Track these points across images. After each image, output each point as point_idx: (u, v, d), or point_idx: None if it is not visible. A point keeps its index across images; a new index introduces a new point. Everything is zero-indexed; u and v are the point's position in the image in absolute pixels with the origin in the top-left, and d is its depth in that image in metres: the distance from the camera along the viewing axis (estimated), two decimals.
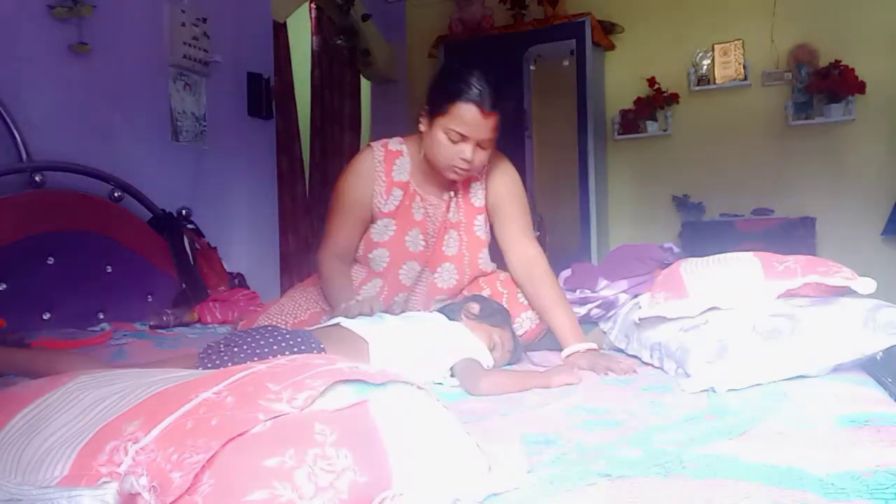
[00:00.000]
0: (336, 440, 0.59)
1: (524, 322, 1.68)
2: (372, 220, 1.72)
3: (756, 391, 1.10)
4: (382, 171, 1.70)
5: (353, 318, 1.36)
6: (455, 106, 1.53)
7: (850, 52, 3.78)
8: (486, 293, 1.72)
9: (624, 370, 1.35)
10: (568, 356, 1.49)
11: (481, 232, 1.76)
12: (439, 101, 1.56)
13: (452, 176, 1.62)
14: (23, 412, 0.71)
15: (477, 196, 1.75)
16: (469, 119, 1.52)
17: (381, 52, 4.44)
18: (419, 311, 1.63)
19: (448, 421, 0.71)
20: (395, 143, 1.74)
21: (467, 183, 1.74)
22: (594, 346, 1.52)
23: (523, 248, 1.71)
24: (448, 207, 1.73)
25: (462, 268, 1.76)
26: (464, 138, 1.55)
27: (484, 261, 1.78)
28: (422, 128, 1.63)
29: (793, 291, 1.29)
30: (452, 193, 1.74)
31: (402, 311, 1.53)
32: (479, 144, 1.57)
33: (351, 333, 1.28)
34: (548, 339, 1.71)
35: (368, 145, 1.76)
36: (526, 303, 1.69)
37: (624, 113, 4.33)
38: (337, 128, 4.24)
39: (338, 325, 1.32)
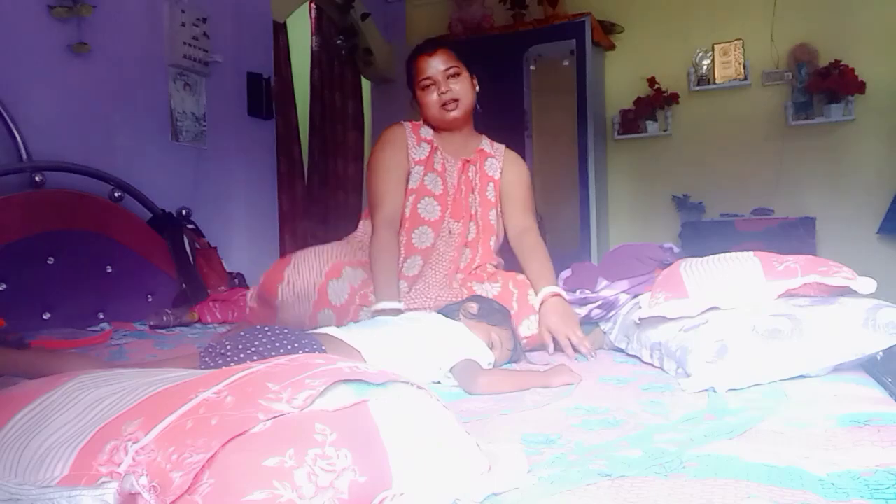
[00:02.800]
0: (336, 440, 0.59)
1: (532, 324, 1.68)
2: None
3: (756, 391, 1.10)
4: (413, 134, 1.92)
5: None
6: (414, 67, 1.87)
7: (850, 52, 3.78)
8: (497, 289, 1.76)
9: (583, 345, 1.48)
10: (541, 303, 1.67)
11: (491, 195, 1.93)
12: (407, 75, 1.90)
13: (448, 116, 1.85)
14: (23, 412, 0.71)
15: (493, 170, 1.95)
16: (422, 66, 1.84)
17: (381, 52, 4.44)
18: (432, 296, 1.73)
19: (448, 421, 0.71)
20: (416, 122, 1.98)
21: (484, 158, 1.95)
22: (561, 293, 1.69)
23: (520, 221, 1.92)
24: (465, 169, 1.92)
25: (478, 224, 1.90)
26: (430, 81, 1.83)
27: (494, 222, 1.93)
28: (415, 108, 1.92)
29: (793, 291, 1.29)
30: (468, 161, 1.93)
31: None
32: (447, 78, 1.83)
33: (343, 344, 1.27)
34: None
35: (394, 124, 1.97)
36: (536, 304, 1.70)
37: (624, 113, 4.33)
38: (337, 127, 4.24)
39: (329, 335, 1.31)
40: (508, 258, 1.96)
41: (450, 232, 1.86)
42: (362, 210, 2.06)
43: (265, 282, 1.81)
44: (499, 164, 1.96)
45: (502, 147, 2.01)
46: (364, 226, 1.97)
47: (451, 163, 1.91)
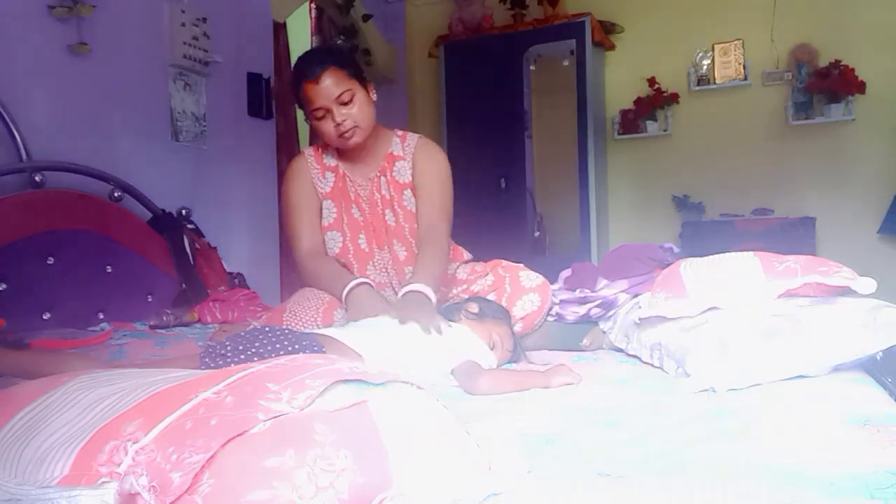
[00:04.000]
0: (336, 440, 0.59)
1: (526, 304, 1.71)
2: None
3: (756, 391, 1.10)
4: (315, 162, 1.84)
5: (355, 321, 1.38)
6: (302, 95, 1.67)
7: (850, 52, 3.78)
8: (489, 280, 1.78)
9: (430, 323, 1.34)
10: (403, 294, 1.52)
11: (410, 205, 1.84)
12: (296, 100, 1.73)
13: (347, 144, 1.72)
14: (23, 412, 0.71)
15: (403, 174, 1.84)
16: (311, 95, 1.65)
17: (381, 52, 4.44)
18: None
19: (448, 421, 0.71)
20: (320, 143, 1.88)
21: (392, 163, 1.84)
22: (425, 290, 1.50)
23: (425, 216, 1.79)
24: (378, 187, 1.83)
25: (406, 240, 1.82)
26: (323, 111, 1.67)
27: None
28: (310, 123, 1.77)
29: (793, 291, 1.29)
30: (378, 174, 1.83)
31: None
32: (340, 104, 1.66)
33: (343, 346, 1.27)
34: (548, 339, 1.71)
35: (297, 155, 1.90)
36: (529, 285, 1.74)
37: (624, 113, 4.33)
38: None
39: (329, 336, 1.29)
40: (489, 247, 1.98)
41: (382, 263, 1.81)
42: None
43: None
44: (408, 164, 1.84)
45: (415, 139, 1.88)
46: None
47: (362, 186, 1.83)
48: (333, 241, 1.79)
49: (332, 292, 1.61)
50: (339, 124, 1.66)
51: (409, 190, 1.84)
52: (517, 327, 1.66)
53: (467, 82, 4.30)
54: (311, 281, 1.70)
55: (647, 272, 1.69)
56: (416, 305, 1.46)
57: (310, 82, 1.64)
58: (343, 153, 1.83)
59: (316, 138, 4.06)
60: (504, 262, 1.85)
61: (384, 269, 1.81)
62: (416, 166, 1.84)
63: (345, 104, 1.66)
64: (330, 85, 1.64)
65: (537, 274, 1.80)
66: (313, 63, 1.66)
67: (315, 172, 1.83)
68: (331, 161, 1.83)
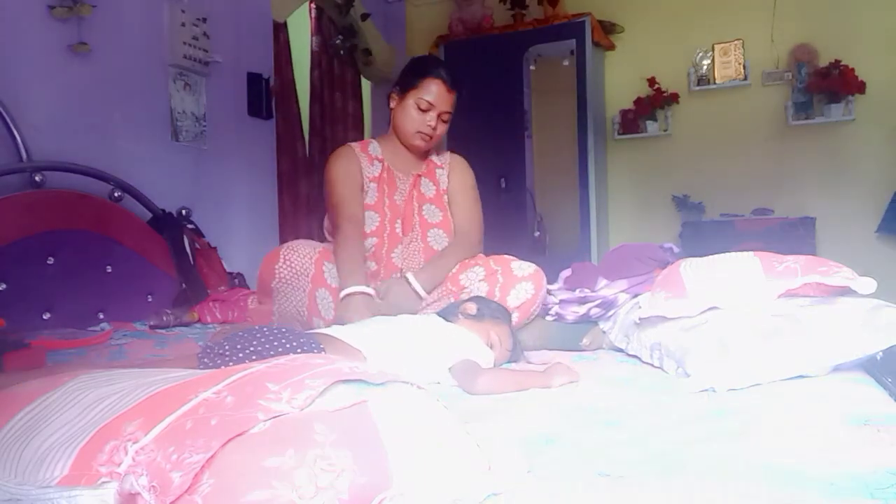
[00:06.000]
0: (336, 440, 0.59)
1: (520, 293, 1.74)
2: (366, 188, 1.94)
3: (756, 391, 1.10)
4: (361, 150, 1.98)
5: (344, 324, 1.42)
6: (425, 80, 1.88)
7: (850, 52, 3.78)
8: (480, 272, 1.81)
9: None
10: (392, 278, 1.80)
11: (430, 216, 1.98)
12: (412, 78, 1.90)
13: (418, 142, 1.93)
14: (23, 412, 0.71)
15: (442, 180, 2.03)
16: (435, 90, 1.88)
17: (381, 52, 4.44)
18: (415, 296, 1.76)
19: (448, 421, 0.71)
20: (361, 141, 2.05)
21: (433, 169, 2.03)
22: (414, 284, 1.76)
23: (463, 225, 1.98)
24: (417, 184, 1.98)
25: (450, 230, 1.96)
26: (430, 107, 1.88)
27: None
28: (392, 104, 1.95)
29: (793, 291, 1.29)
30: (420, 174, 2.00)
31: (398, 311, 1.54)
32: (440, 116, 1.90)
33: (344, 345, 1.27)
34: (548, 339, 1.71)
35: (341, 146, 2.02)
36: (521, 274, 1.77)
37: (624, 113, 4.33)
38: (338, 127, 4.24)
39: (330, 335, 1.30)
40: (489, 247, 2.03)
41: (409, 251, 1.91)
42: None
43: (263, 267, 1.82)
44: (445, 173, 2.03)
45: (448, 155, 2.09)
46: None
47: (402, 181, 1.97)
48: (371, 220, 1.88)
49: (341, 271, 1.72)
50: (431, 127, 1.89)
51: (430, 205, 1.98)
52: (513, 317, 1.66)
53: (467, 82, 4.29)
54: (341, 243, 1.77)
55: (647, 272, 1.69)
56: (402, 295, 1.70)
57: (442, 82, 1.88)
58: (391, 151, 1.98)
59: (316, 137, 4.08)
60: (494, 256, 1.89)
61: (411, 256, 1.89)
62: (452, 177, 2.04)
63: (443, 120, 1.93)
64: (449, 100, 1.91)
65: (529, 263, 1.83)
66: (452, 76, 1.91)
67: (363, 159, 1.95)
68: (376, 152, 1.98)
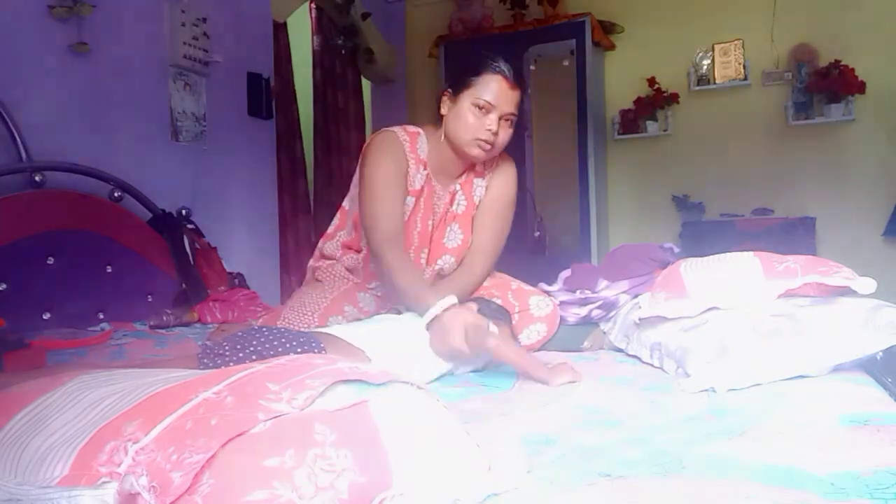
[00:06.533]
0: (336, 440, 0.59)
1: (532, 334, 1.67)
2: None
3: (756, 391, 1.10)
4: (409, 148, 1.68)
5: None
6: (482, 77, 1.58)
7: (850, 52, 3.78)
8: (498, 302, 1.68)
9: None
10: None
11: (449, 242, 1.77)
12: (466, 77, 1.60)
13: (475, 151, 1.62)
14: (23, 412, 0.71)
15: (478, 194, 1.79)
16: (495, 87, 1.57)
17: (381, 52, 4.44)
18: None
19: (448, 421, 0.71)
20: (410, 127, 1.73)
21: (472, 180, 1.77)
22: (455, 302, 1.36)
23: (480, 242, 1.76)
24: (452, 200, 1.76)
25: (461, 255, 1.77)
26: (490, 107, 1.58)
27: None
28: (444, 110, 1.66)
29: (793, 291, 1.29)
30: (458, 188, 1.76)
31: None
32: (503, 118, 1.59)
33: (346, 344, 1.26)
34: (548, 340, 1.71)
35: (384, 130, 1.70)
36: (538, 314, 1.69)
37: (624, 113, 4.33)
38: (339, 127, 4.24)
39: (331, 335, 1.29)
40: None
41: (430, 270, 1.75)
42: (332, 225, 1.89)
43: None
44: (485, 183, 1.78)
45: (496, 160, 1.78)
46: (330, 248, 1.84)
47: (440, 196, 1.73)
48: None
49: (411, 298, 1.42)
50: (492, 132, 1.58)
51: (455, 224, 1.76)
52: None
53: None
54: (390, 273, 1.48)
55: (648, 272, 1.69)
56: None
57: (503, 78, 1.58)
58: (436, 150, 1.70)
59: (319, 137, 4.08)
60: (515, 285, 1.75)
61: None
62: (492, 189, 1.78)
63: (506, 122, 1.61)
64: (514, 98, 1.59)
65: (548, 301, 1.71)
66: (513, 70, 1.60)
67: (410, 156, 1.66)
68: (423, 153, 1.69)
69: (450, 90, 1.65)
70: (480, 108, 1.58)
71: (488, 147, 1.61)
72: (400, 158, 1.64)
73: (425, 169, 1.69)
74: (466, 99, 1.59)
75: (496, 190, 1.78)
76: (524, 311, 1.69)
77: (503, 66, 1.59)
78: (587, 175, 4.08)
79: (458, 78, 1.63)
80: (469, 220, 1.77)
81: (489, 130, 1.58)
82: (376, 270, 1.62)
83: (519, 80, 1.60)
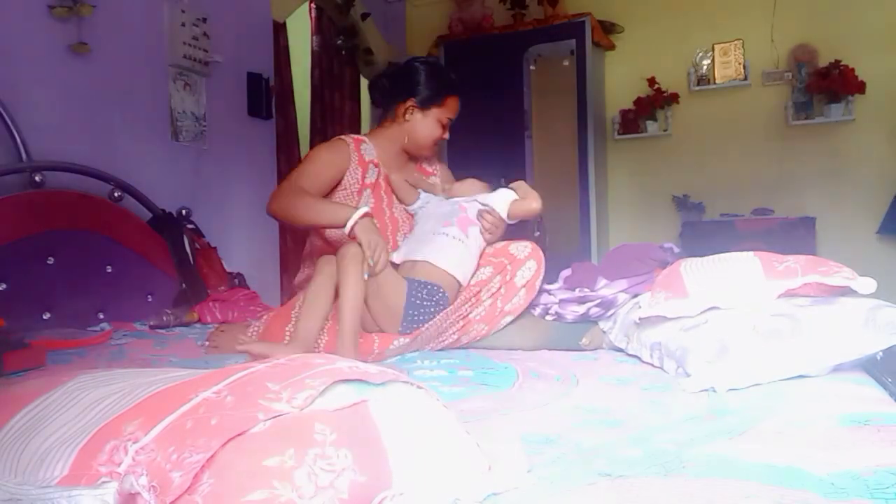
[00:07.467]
0: (336, 440, 0.59)
1: (525, 273, 1.77)
2: (358, 194, 1.87)
3: (756, 391, 1.10)
4: (355, 151, 1.90)
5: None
6: (450, 99, 1.91)
7: (850, 52, 3.78)
8: (488, 270, 1.79)
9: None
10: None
11: None
12: (436, 94, 1.89)
13: (429, 152, 1.99)
14: (23, 412, 0.71)
15: (435, 188, 2.02)
16: (457, 107, 1.94)
17: (381, 52, 4.44)
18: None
19: (448, 421, 0.71)
20: (354, 135, 1.98)
21: (427, 177, 2.05)
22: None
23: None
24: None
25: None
26: (450, 123, 1.94)
27: None
28: (408, 117, 1.90)
29: (793, 291, 1.29)
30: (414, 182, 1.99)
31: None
32: (449, 125, 1.96)
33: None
34: (547, 338, 1.71)
35: (340, 137, 1.95)
36: (520, 256, 1.79)
37: (624, 113, 4.33)
38: (338, 127, 4.24)
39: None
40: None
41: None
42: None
43: (269, 326, 1.71)
44: (438, 181, 2.05)
45: (434, 160, 2.11)
46: (310, 264, 1.93)
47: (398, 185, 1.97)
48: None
49: (315, 209, 1.70)
50: (444, 140, 1.96)
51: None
52: (521, 295, 1.75)
53: (467, 82, 4.29)
54: (289, 200, 1.73)
55: (647, 272, 1.69)
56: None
57: (457, 98, 1.93)
58: (384, 152, 1.94)
59: (317, 137, 4.08)
60: (495, 256, 1.84)
61: None
62: (449, 181, 2.06)
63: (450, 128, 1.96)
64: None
65: (525, 244, 1.84)
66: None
67: (353, 160, 1.88)
68: (372, 157, 1.92)
69: (417, 101, 1.88)
70: (443, 125, 1.92)
71: (438, 147, 2.01)
72: (342, 155, 1.86)
73: (376, 167, 1.92)
74: (436, 115, 1.90)
75: (450, 178, 2.09)
76: (513, 261, 1.79)
77: (457, 85, 1.95)
78: (587, 175, 4.09)
79: (428, 94, 1.89)
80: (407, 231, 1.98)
81: (441, 139, 1.95)
82: (284, 201, 1.76)
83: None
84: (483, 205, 1.82)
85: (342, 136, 1.95)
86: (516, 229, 1.92)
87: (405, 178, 1.96)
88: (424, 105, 1.88)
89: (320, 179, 1.83)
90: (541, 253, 1.82)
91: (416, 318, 1.64)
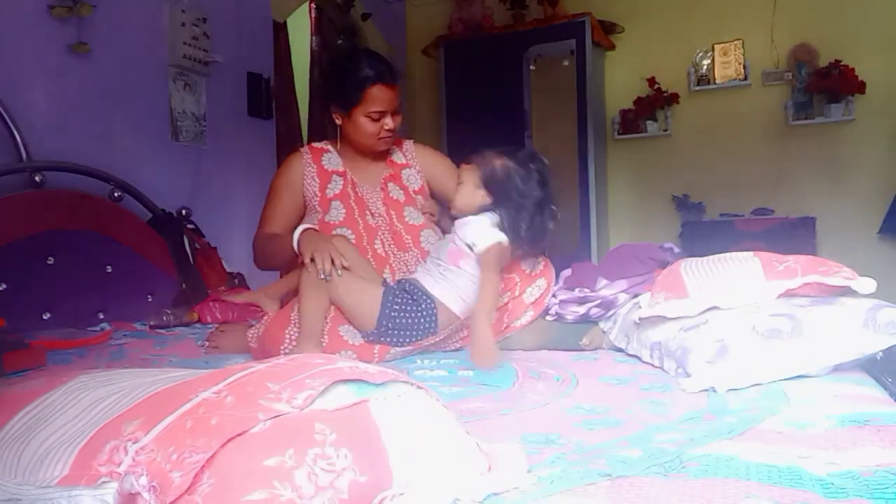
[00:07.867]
0: (336, 440, 0.59)
1: (534, 290, 1.76)
2: (323, 208, 1.84)
3: (756, 391, 1.10)
4: (313, 163, 1.88)
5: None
6: (367, 92, 1.75)
7: (850, 52, 3.78)
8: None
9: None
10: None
11: (412, 219, 1.88)
12: (350, 94, 1.77)
13: (382, 146, 1.85)
14: (23, 412, 0.71)
15: (413, 181, 1.93)
16: (381, 96, 1.76)
17: (381, 52, 4.44)
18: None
19: (448, 421, 0.71)
20: (318, 144, 1.96)
21: (399, 170, 1.93)
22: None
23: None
24: (387, 192, 1.89)
25: (419, 248, 1.86)
26: (383, 114, 1.78)
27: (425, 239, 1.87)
28: (338, 121, 1.84)
29: (793, 291, 1.29)
30: (385, 180, 1.90)
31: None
32: (392, 114, 1.80)
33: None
34: (548, 338, 1.71)
35: (296, 149, 1.95)
36: (531, 272, 1.76)
37: (624, 113, 4.33)
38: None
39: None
40: None
41: (403, 265, 1.80)
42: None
43: (269, 330, 1.66)
44: (415, 171, 1.94)
45: (410, 144, 1.99)
46: None
47: (372, 192, 1.87)
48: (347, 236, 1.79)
49: (282, 248, 1.70)
50: (389, 129, 1.80)
51: (410, 207, 1.88)
52: (528, 314, 1.73)
53: (467, 82, 4.30)
54: (262, 251, 1.85)
55: (647, 272, 1.69)
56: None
57: (383, 85, 1.75)
58: (350, 159, 1.90)
59: (316, 138, 4.07)
60: (507, 272, 1.78)
61: (405, 271, 1.78)
62: (428, 169, 1.95)
63: (395, 114, 1.81)
64: (397, 95, 1.80)
65: (537, 260, 1.81)
66: (388, 69, 1.77)
67: (309, 171, 1.87)
68: (337, 166, 1.89)
69: (337, 107, 1.81)
70: (374, 119, 1.77)
71: (388, 139, 1.83)
72: (294, 175, 1.87)
73: (341, 177, 1.87)
74: (359, 114, 1.77)
75: (432, 167, 1.96)
76: (522, 275, 1.76)
77: (378, 68, 1.75)
78: (587, 175, 4.09)
79: (343, 96, 1.78)
80: (415, 204, 1.90)
81: (387, 130, 1.80)
82: (257, 253, 1.92)
83: (394, 75, 1.77)
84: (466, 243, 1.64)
85: (300, 148, 1.95)
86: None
87: (425, 206, 1.90)
88: (345, 109, 1.79)
89: (281, 208, 1.87)
90: (552, 270, 1.80)
91: (392, 319, 1.57)
